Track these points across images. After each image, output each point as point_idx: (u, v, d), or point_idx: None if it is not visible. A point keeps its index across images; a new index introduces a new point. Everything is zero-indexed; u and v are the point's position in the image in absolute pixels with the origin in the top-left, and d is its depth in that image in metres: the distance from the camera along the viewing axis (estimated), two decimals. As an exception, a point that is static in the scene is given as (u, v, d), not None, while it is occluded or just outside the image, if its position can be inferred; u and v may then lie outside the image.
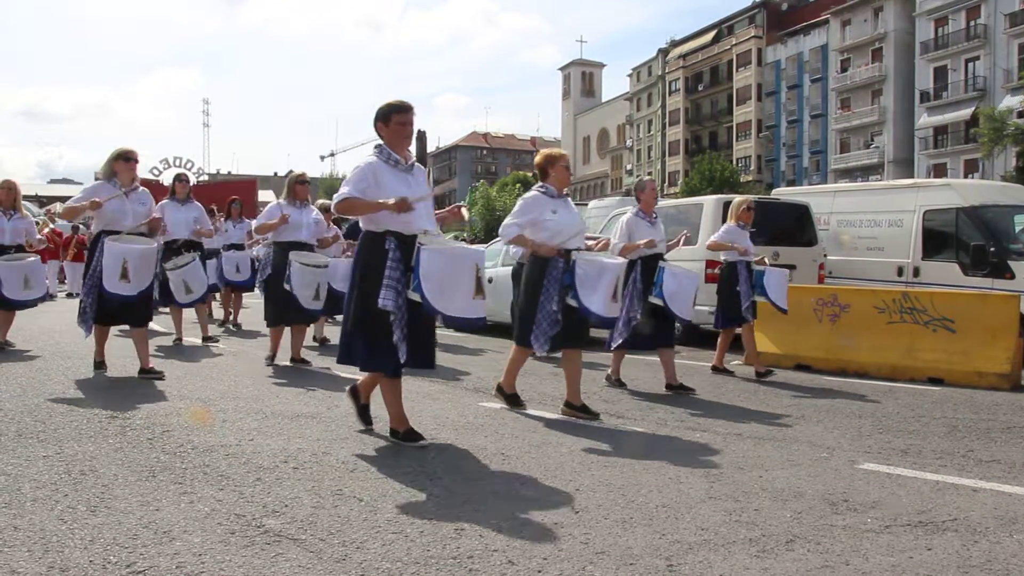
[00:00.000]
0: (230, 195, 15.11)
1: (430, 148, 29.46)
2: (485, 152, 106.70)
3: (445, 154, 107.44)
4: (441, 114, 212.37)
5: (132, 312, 6.04)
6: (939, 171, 42.99)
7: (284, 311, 7.03)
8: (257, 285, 7.17)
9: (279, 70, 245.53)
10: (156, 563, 2.53)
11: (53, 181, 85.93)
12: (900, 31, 48.01)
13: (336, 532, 2.86)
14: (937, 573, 2.63)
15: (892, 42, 48.29)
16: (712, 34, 66.06)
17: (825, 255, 11.00)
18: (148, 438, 4.22)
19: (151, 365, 6.18)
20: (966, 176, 39.95)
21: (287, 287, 6.81)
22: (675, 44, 71.01)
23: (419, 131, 22.41)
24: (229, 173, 79.66)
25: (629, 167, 76.10)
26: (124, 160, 5.99)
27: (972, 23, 43.26)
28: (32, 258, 7.84)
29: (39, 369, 6.54)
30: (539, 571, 2.56)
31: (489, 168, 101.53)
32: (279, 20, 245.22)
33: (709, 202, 10.83)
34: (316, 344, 8.84)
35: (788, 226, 11.00)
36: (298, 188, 7.15)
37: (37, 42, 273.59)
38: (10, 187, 7.87)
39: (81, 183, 69.99)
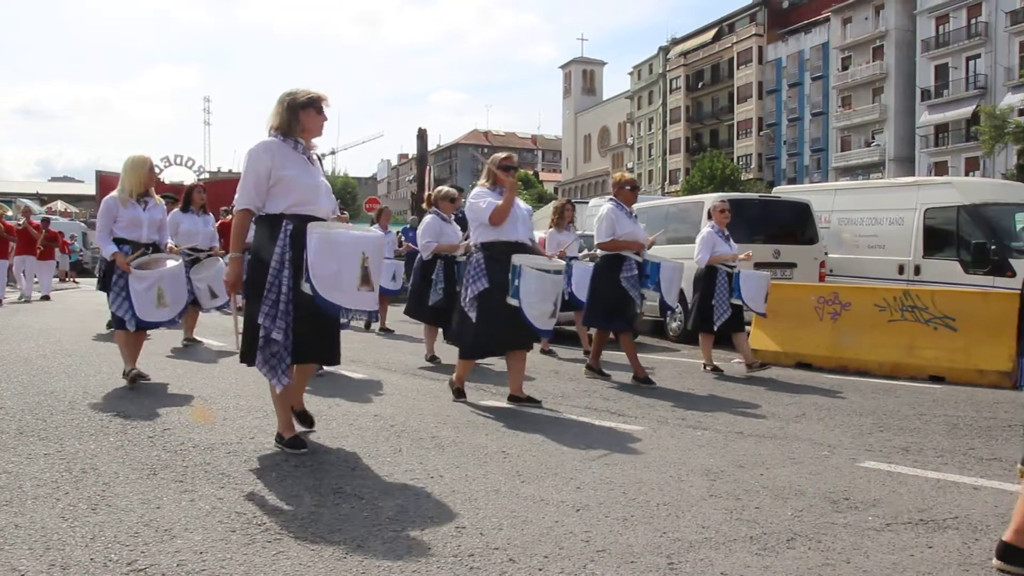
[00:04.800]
0: (232, 192, 14.90)
1: (430, 146, 29.43)
2: (486, 150, 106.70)
3: (446, 152, 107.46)
4: (439, 111, 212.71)
5: (334, 340, 4.08)
6: (940, 169, 42.94)
7: (502, 335, 5.33)
8: (466, 305, 5.39)
9: (278, 67, 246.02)
10: (157, 561, 2.53)
11: (54, 179, 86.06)
12: (901, 29, 47.95)
13: (337, 530, 2.86)
14: (938, 571, 2.63)
15: (893, 40, 48.23)
16: (713, 32, 66.02)
17: (826, 253, 11.00)
18: (149, 436, 4.22)
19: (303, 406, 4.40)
20: (967, 174, 39.94)
21: (513, 302, 5.17)
22: (676, 42, 70.98)
23: (420, 129, 22.41)
24: (230, 171, 79.64)
25: (630, 165, 76.03)
26: (316, 110, 3.95)
27: (973, 21, 43.20)
28: (172, 263, 5.91)
29: (40, 367, 6.53)
30: (540, 569, 2.55)
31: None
32: (277, 16, 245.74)
33: (710, 200, 10.83)
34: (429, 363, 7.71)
35: (789, 224, 11.01)
36: (499, 175, 5.49)
37: (34, 39, 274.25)
38: (152, 167, 6.00)
39: (83, 181, 70.34)
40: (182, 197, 8.36)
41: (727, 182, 46.41)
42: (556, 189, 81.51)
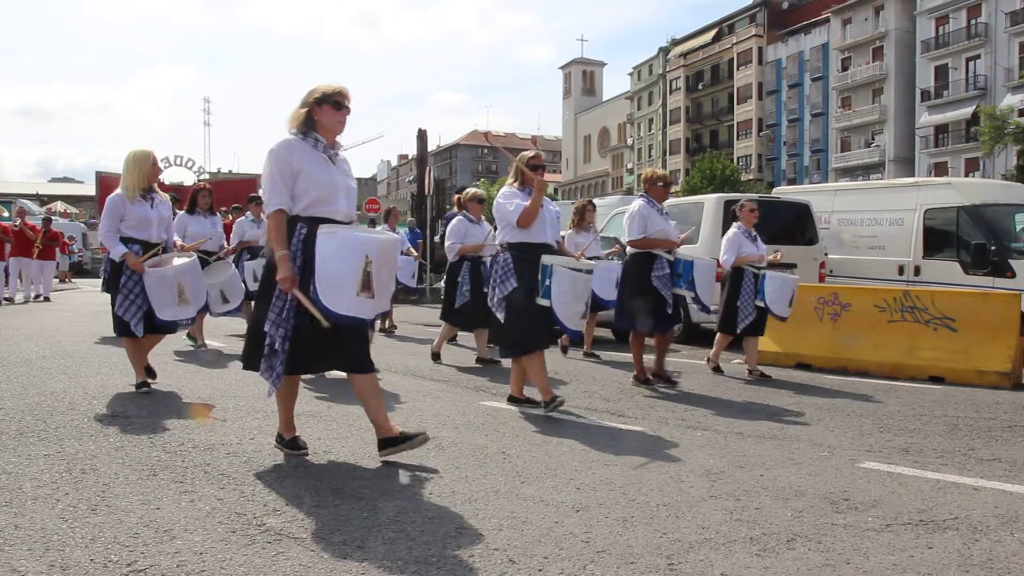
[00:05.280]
0: (233, 194, 14.84)
1: (431, 147, 29.49)
2: (486, 151, 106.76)
3: (446, 153, 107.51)
4: (439, 112, 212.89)
5: (346, 348, 3.73)
6: (940, 170, 42.98)
7: (539, 335, 5.22)
8: (494, 306, 5.28)
9: (278, 68, 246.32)
10: (157, 562, 2.53)
11: (54, 180, 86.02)
12: (901, 30, 47.99)
13: (337, 531, 2.86)
14: (938, 572, 2.63)
15: (893, 41, 48.27)
16: (713, 32, 66.05)
17: (826, 254, 11.00)
18: (149, 437, 4.22)
19: (398, 429, 3.88)
20: (967, 175, 39.98)
21: (544, 302, 5.07)
22: (676, 43, 71.02)
23: (420, 129, 22.40)
24: (230, 172, 79.65)
25: (630, 166, 76.08)
26: (333, 106, 3.75)
27: (973, 22, 43.23)
28: (186, 260, 5.60)
29: (40, 368, 6.53)
30: (540, 570, 2.55)
31: (490, 167, 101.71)
32: (276, 17, 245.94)
33: (710, 201, 10.85)
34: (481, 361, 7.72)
35: (789, 225, 11.01)
36: (528, 173, 5.28)
37: (33, 39, 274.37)
38: (155, 162, 5.66)
39: (82, 182, 70.34)
40: (187, 199, 8.21)
41: (727, 183, 46.39)
42: (556, 190, 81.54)
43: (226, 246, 8.25)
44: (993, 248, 9.71)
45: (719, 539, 2.88)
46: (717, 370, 7.46)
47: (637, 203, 6.51)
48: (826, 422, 5.23)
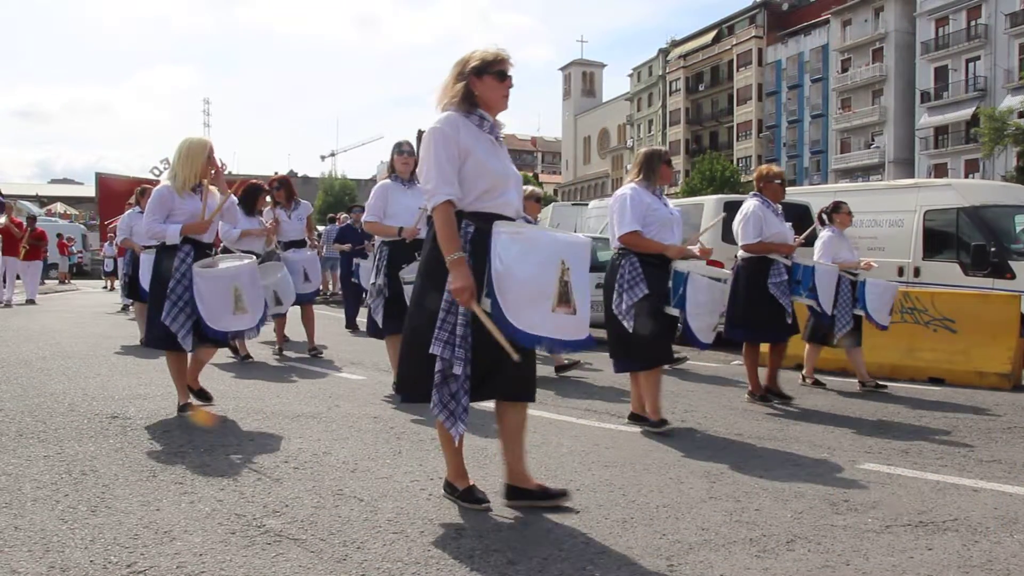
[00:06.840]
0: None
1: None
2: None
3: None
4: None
5: (518, 369, 3.03)
6: (940, 171, 42.99)
7: (664, 349, 4.87)
8: (621, 315, 4.70)
9: (278, 68, 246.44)
10: (157, 563, 2.53)
11: (54, 181, 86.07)
12: (901, 31, 48.01)
13: (337, 532, 2.86)
14: (938, 573, 2.63)
15: (893, 42, 48.29)
16: (713, 34, 66.08)
17: (826, 255, 10.98)
18: (149, 438, 4.22)
19: (536, 482, 3.26)
20: (967, 176, 39.96)
21: (674, 311, 4.68)
22: (676, 44, 71.06)
23: (419, 131, 22.42)
24: (230, 173, 79.55)
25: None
26: (496, 76, 3.11)
27: (973, 23, 43.25)
28: (244, 262, 4.91)
29: (40, 369, 6.53)
30: (539, 571, 2.55)
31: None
32: (276, 18, 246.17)
33: (709, 202, 10.84)
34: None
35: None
36: (664, 169, 4.97)
37: (34, 40, 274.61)
38: (211, 155, 4.88)
39: (82, 183, 70.49)
40: (243, 195, 7.54)
41: (727, 184, 46.42)
42: (556, 191, 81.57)
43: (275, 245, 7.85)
44: (993, 249, 9.71)
45: (719, 540, 2.88)
46: (818, 384, 6.86)
47: (751, 203, 5.90)
48: (826, 423, 5.23)
